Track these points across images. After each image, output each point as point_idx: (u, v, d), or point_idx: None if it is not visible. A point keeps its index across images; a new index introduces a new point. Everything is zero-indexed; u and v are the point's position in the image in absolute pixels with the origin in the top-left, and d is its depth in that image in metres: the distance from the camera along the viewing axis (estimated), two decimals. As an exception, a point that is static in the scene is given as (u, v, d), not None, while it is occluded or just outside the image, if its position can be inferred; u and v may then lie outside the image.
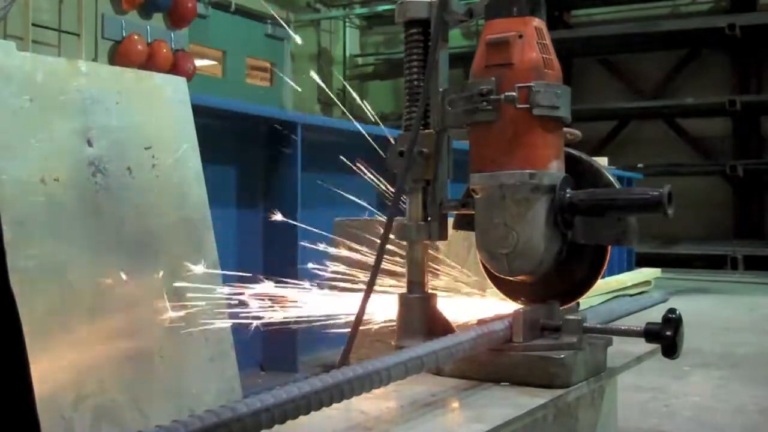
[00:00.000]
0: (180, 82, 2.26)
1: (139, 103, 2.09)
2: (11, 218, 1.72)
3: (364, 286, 1.78)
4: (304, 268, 2.29)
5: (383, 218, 1.89)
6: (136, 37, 7.63)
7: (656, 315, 1.74)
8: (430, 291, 1.86)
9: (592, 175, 1.83)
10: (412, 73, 1.90)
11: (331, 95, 10.52)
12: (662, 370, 3.42)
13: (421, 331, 1.78)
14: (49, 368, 1.72)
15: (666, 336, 1.69)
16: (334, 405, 1.28)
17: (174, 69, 7.59)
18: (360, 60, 12.75)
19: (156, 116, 2.13)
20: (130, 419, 1.85)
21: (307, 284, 2.10)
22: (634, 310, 5.55)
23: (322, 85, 10.32)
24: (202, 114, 2.38)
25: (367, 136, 2.44)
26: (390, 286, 2.01)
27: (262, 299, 2.02)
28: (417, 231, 1.84)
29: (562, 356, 1.67)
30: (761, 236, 10.24)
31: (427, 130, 1.85)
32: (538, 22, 1.76)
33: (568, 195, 1.74)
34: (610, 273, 6.45)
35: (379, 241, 1.81)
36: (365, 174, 2.31)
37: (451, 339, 1.58)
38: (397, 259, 2.00)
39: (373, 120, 2.73)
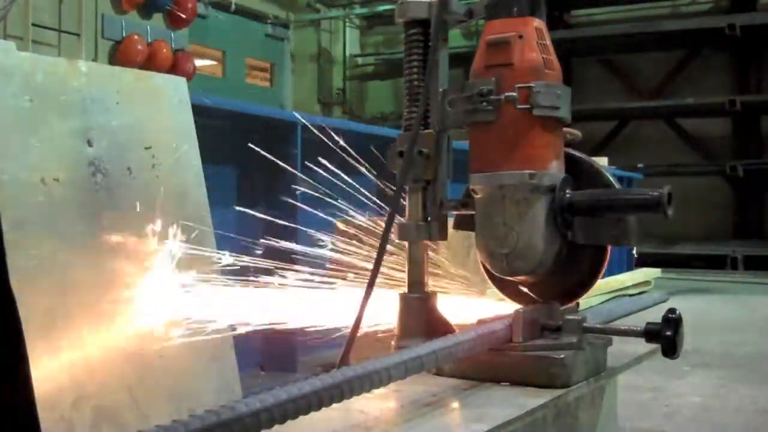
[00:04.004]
0: (180, 82, 2.26)
1: (139, 103, 2.09)
2: (11, 218, 1.72)
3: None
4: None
5: (383, 218, 1.89)
6: (136, 37, 7.63)
7: (656, 315, 1.74)
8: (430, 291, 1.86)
9: (592, 175, 1.83)
10: (412, 73, 1.90)
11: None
12: (662, 370, 3.42)
13: (421, 331, 1.78)
14: (49, 368, 1.72)
15: (666, 336, 1.69)
16: (334, 405, 1.28)
17: (174, 69, 7.59)
18: (360, 60, 12.75)
19: (156, 116, 2.13)
20: (130, 419, 1.85)
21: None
22: (634, 310, 5.55)
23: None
24: (202, 114, 2.38)
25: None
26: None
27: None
28: (417, 231, 1.84)
29: (562, 356, 1.67)
30: (761, 236, 10.24)
31: (427, 130, 1.85)
32: (538, 23, 1.76)
33: (567, 195, 1.74)
34: (610, 273, 6.44)
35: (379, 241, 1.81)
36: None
37: (451, 339, 1.58)
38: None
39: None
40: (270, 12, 10.92)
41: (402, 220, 1.87)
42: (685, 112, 10.61)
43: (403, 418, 1.45)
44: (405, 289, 1.85)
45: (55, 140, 1.87)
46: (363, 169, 2.35)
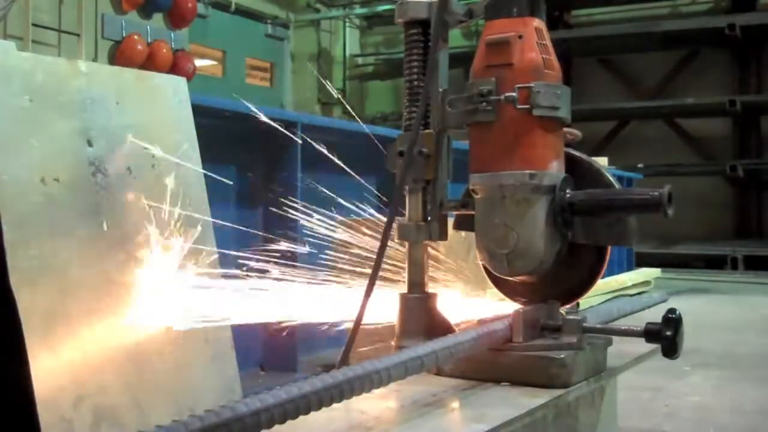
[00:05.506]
0: (180, 82, 2.26)
1: (139, 103, 2.09)
2: (11, 218, 1.72)
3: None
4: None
5: (383, 218, 1.89)
6: (136, 37, 7.63)
7: (656, 315, 1.74)
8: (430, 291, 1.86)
9: (592, 175, 1.83)
10: (412, 73, 1.90)
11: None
12: (662, 370, 3.41)
13: (421, 331, 1.78)
14: (49, 368, 1.72)
15: (666, 336, 1.69)
16: (334, 405, 1.28)
17: (174, 69, 7.59)
18: (360, 60, 12.74)
19: (156, 116, 2.13)
20: (130, 419, 1.85)
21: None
22: (634, 310, 5.55)
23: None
24: (202, 114, 2.38)
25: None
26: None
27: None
28: (417, 231, 1.84)
29: (562, 356, 1.67)
30: (761, 236, 10.23)
31: (427, 130, 1.85)
32: (537, 23, 1.76)
33: (567, 195, 1.74)
34: (610, 273, 6.44)
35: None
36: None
37: (451, 339, 1.58)
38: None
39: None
40: (270, 12, 10.92)
41: (402, 219, 1.87)
42: (685, 112, 10.60)
43: (403, 418, 1.45)
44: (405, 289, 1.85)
45: (55, 140, 1.87)
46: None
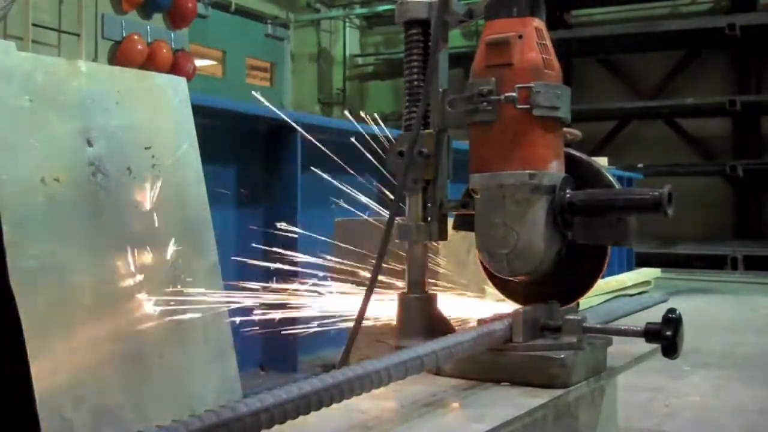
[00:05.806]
0: (180, 82, 2.26)
1: (139, 103, 2.09)
2: (11, 218, 1.72)
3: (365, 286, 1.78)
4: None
5: (384, 218, 1.89)
6: (136, 37, 7.64)
7: (656, 315, 1.74)
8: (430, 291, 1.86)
9: (592, 175, 1.83)
10: (412, 74, 1.90)
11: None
12: (662, 370, 3.42)
13: (421, 331, 1.78)
14: (49, 368, 1.72)
15: (666, 336, 1.69)
16: (334, 405, 1.28)
17: (174, 69, 7.59)
18: (360, 60, 12.75)
19: (156, 116, 2.13)
20: (130, 419, 1.85)
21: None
22: (634, 310, 5.55)
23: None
24: (202, 114, 2.38)
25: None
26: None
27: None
28: (417, 231, 1.84)
29: (562, 356, 1.67)
30: (761, 236, 10.23)
31: (427, 131, 1.85)
32: (537, 23, 1.76)
33: (567, 195, 1.74)
34: (610, 273, 6.44)
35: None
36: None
37: (451, 339, 1.58)
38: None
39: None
40: (270, 12, 10.92)
41: (402, 219, 1.87)
42: (685, 112, 10.60)
43: (403, 418, 1.45)
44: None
45: (55, 140, 1.87)
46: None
